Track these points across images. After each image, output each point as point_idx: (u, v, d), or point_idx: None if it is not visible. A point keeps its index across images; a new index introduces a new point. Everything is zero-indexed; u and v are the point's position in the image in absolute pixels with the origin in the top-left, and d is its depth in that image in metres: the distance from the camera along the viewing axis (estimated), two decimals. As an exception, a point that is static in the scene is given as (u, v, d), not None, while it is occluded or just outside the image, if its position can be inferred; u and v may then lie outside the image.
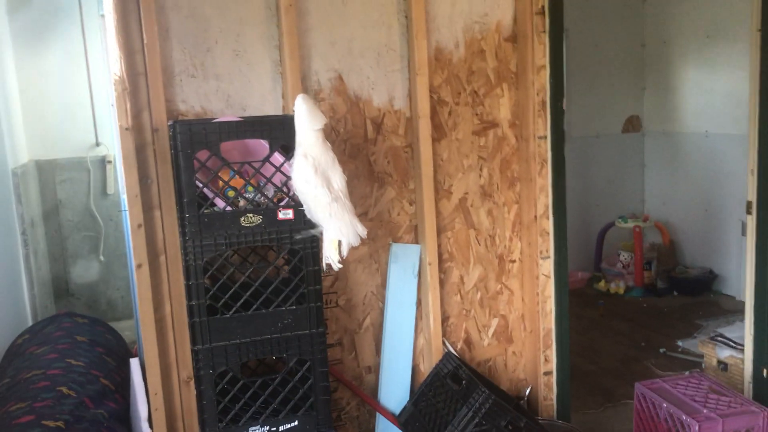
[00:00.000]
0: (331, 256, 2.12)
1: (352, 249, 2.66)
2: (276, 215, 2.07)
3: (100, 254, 4.88)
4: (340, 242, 2.08)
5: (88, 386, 2.59)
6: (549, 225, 2.84)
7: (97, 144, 4.80)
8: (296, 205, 2.09)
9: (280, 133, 2.04)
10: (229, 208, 2.04)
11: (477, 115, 2.79)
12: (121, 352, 3.19)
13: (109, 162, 4.81)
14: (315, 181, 2.00)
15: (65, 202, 4.78)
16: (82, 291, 4.88)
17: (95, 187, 4.83)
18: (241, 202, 2.08)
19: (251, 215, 2.04)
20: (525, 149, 2.82)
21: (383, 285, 2.75)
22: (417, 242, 2.76)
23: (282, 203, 2.10)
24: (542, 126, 2.78)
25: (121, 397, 2.69)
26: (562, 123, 2.80)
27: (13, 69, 4.41)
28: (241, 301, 2.05)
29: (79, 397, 2.47)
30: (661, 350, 4.32)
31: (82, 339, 3.03)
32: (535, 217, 2.83)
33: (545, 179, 2.80)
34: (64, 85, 4.69)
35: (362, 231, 2.13)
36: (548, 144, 2.79)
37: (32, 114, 4.61)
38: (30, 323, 3.68)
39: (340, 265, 2.15)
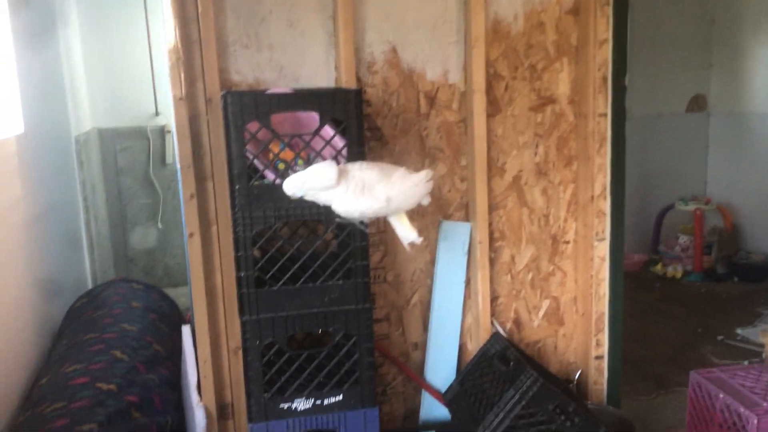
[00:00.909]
0: (405, 234, 2.11)
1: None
2: (325, 189, 2.05)
3: (158, 221, 4.99)
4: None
5: (140, 351, 2.66)
6: (606, 206, 2.75)
7: (157, 113, 4.89)
8: (346, 179, 2.07)
9: (331, 105, 2.02)
10: (278, 181, 2.04)
11: (534, 90, 2.70)
12: (174, 318, 3.26)
13: (168, 132, 4.90)
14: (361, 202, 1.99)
15: (125, 169, 4.89)
16: (140, 257, 5.01)
17: (154, 155, 4.93)
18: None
19: (301, 188, 2.03)
20: (583, 127, 2.73)
21: (432, 262, 2.72)
22: (468, 220, 2.71)
23: (332, 177, 2.08)
24: (602, 103, 2.68)
25: (172, 364, 2.75)
26: (623, 100, 2.69)
27: (78, 38, 4.50)
28: (289, 274, 2.06)
29: (131, 362, 2.54)
30: (719, 338, 4.18)
31: (137, 305, 3.11)
32: (592, 197, 2.74)
33: (604, 158, 2.71)
34: (126, 55, 4.78)
35: (423, 189, 2.06)
36: (608, 122, 2.69)
37: (95, 83, 4.71)
38: (90, 287, 3.80)
39: (420, 238, 2.13)
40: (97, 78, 4.72)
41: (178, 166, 2.35)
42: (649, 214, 5.77)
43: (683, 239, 5.56)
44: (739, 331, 4.26)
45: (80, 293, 3.44)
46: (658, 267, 5.55)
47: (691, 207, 5.41)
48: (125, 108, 4.83)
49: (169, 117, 4.84)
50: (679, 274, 5.40)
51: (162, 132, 4.93)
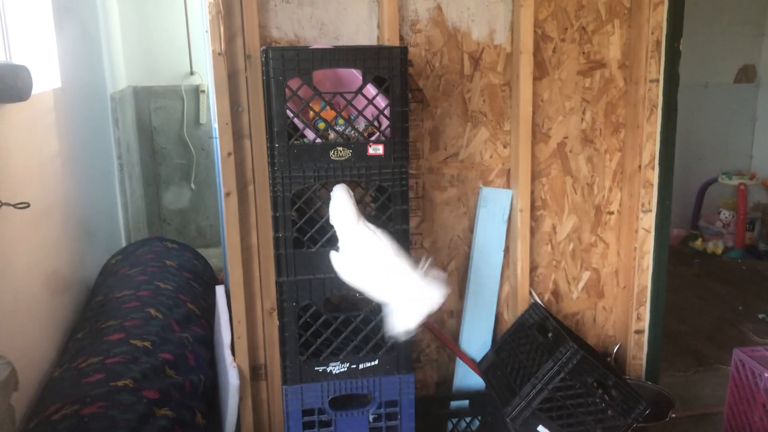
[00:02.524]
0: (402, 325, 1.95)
1: (440, 191, 2.60)
2: (366, 150, 1.99)
3: (191, 182, 4.99)
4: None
5: (175, 309, 2.65)
6: (654, 176, 2.65)
7: (192, 73, 4.85)
8: (387, 140, 2.01)
9: (374, 63, 1.94)
10: (318, 141, 1.98)
11: (583, 53, 2.59)
12: (208, 278, 3.26)
13: (203, 91, 4.86)
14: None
15: (159, 129, 4.88)
16: (173, 217, 5.03)
17: (188, 115, 4.91)
18: (331, 135, 2.01)
19: (341, 149, 1.97)
20: (634, 93, 2.62)
21: (470, 229, 2.65)
22: (509, 187, 2.63)
23: (372, 138, 2.02)
24: (655, 68, 2.56)
25: (205, 322, 2.75)
26: (677, 65, 2.57)
27: (114, -5, 4.47)
28: (328, 236, 2.01)
29: (165, 320, 2.54)
30: (760, 316, 4.07)
31: (171, 263, 3.11)
32: (639, 166, 2.64)
33: (653, 126, 2.60)
34: (162, 14, 4.74)
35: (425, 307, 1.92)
36: (660, 88, 2.58)
37: (131, 41, 4.69)
38: (124, 245, 3.81)
39: (414, 330, 1.97)
40: (133, 36, 4.70)
41: (215, 125, 2.30)
42: (690, 188, 5.61)
43: (725, 214, 5.40)
44: (781, 310, 4.15)
45: (114, 250, 3.46)
46: (698, 242, 5.42)
47: (735, 181, 5.25)
48: (160, 67, 4.81)
49: (203, 76, 4.80)
50: (719, 250, 5.27)
51: (196, 92, 4.90)
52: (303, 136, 2.00)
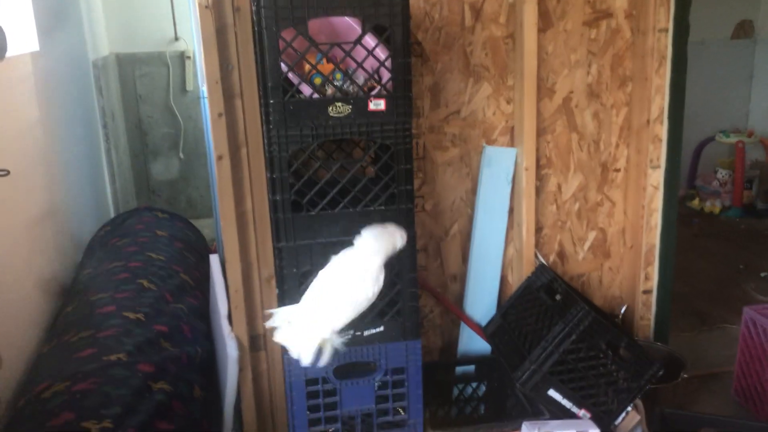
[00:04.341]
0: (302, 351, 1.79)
1: (441, 152, 2.49)
2: (366, 105, 1.88)
3: (180, 152, 4.85)
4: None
5: (168, 280, 2.55)
6: (662, 131, 2.56)
7: (176, 38, 4.68)
8: (389, 95, 1.89)
9: (374, 10, 1.81)
10: (315, 96, 1.87)
11: (589, 2, 2.47)
12: (201, 248, 3.15)
13: (188, 57, 4.70)
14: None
15: (145, 97, 4.72)
16: (163, 188, 4.90)
17: (174, 82, 4.75)
18: (329, 90, 1.89)
19: (340, 104, 1.85)
20: (641, 44, 2.50)
21: (473, 191, 2.55)
22: (513, 145, 2.53)
23: (373, 92, 1.90)
24: (664, 17, 2.45)
25: (200, 293, 2.65)
26: (687, 13, 2.46)
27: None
28: (328, 198, 1.90)
29: (159, 291, 2.43)
30: (762, 274, 4.02)
31: (162, 233, 2.99)
32: (648, 121, 2.54)
33: (662, 78, 2.50)
34: (142, -24, 4.55)
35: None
36: (669, 38, 2.47)
37: (112, 4, 4.50)
38: (112, 216, 3.69)
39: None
40: (114, 1, 4.51)
41: (203, 87, 2.17)
42: (687, 147, 5.49)
43: (722, 173, 5.34)
44: (783, 267, 4.10)
45: (103, 222, 3.33)
46: (695, 202, 5.36)
47: (733, 139, 5.17)
48: (144, 33, 4.63)
49: (189, 42, 4.63)
50: (717, 210, 5.21)
51: (182, 58, 4.73)
52: (299, 91, 1.88)
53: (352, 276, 1.76)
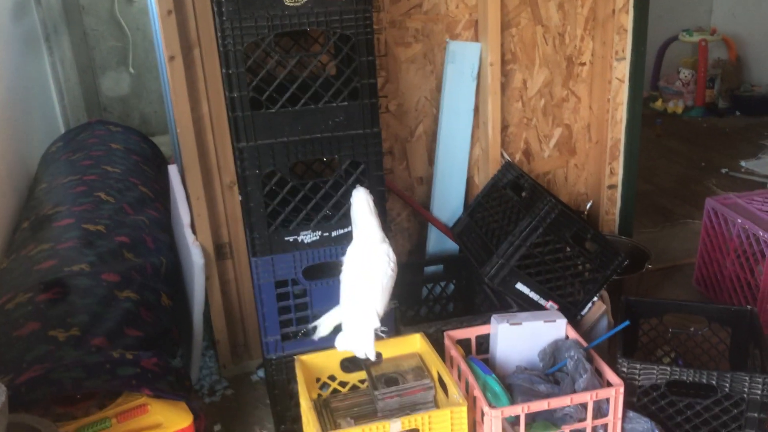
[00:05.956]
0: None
1: (404, 48, 2.40)
2: (325, -6, 1.77)
3: (130, 66, 4.64)
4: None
5: (126, 193, 2.47)
6: (628, 21, 2.50)
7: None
8: (347, -17, 1.78)
9: None
10: (269, -15, 1.75)
11: None
12: (158, 161, 3.05)
13: (132, -38, 4.43)
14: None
15: (88, 8, 4.46)
16: (114, 105, 4.71)
17: (119, -8, 4.49)
18: (284, -21, 1.78)
19: (296, -7, 1.75)
20: (607, -72, 2.42)
21: (438, 89, 2.49)
22: (477, 40, 2.45)
23: (331, -19, 1.79)
24: None
25: (161, 205, 2.58)
26: None
27: None
28: (288, 94, 1.82)
29: (118, 203, 2.36)
30: (723, 170, 4.08)
31: (117, 147, 2.89)
32: (613, 11, 2.48)
33: (629, -35, 2.42)
34: None
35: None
36: None
37: None
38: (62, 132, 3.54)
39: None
40: None
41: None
42: (649, 48, 5.46)
43: (685, 73, 5.33)
44: (743, 163, 4.16)
45: (53, 139, 3.20)
46: (658, 103, 5.37)
47: (696, 38, 5.14)
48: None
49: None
50: (680, 110, 5.23)
51: (126, -37, 4.46)
52: (252, -20, 1.76)
53: (368, 265, 1.78)
